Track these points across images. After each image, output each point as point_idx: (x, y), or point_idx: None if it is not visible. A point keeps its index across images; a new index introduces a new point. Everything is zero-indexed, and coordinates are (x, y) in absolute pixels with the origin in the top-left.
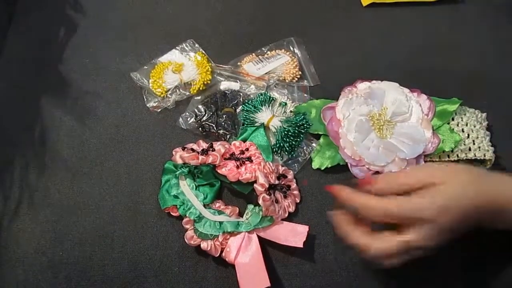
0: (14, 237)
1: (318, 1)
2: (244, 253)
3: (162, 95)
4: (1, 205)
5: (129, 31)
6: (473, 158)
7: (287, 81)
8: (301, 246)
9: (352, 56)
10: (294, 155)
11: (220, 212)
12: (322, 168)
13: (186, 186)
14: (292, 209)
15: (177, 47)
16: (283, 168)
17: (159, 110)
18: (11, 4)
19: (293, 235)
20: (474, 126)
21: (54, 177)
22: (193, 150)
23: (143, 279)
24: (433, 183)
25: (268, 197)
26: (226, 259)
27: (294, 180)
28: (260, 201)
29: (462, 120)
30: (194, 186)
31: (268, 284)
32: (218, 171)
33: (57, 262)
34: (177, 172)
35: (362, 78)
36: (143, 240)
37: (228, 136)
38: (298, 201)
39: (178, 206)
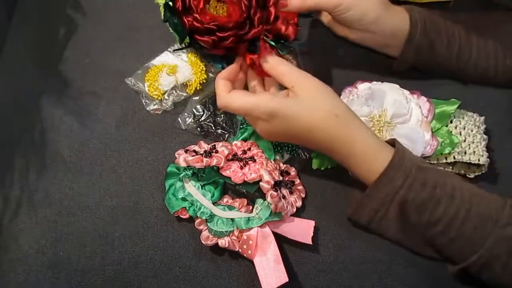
0: (15, 237)
1: None
2: (261, 249)
3: (159, 98)
4: (1, 205)
5: (130, 31)
6: (467, 161)
7: None
8: (310, 242)
9: (352, 56)
10: (294, 154)
11: (230, 207)
12: (322, 169)
13: (192, 187)
14: (299, 204)
15: (169, 49)
16: (284, 165)
17: (160, 112)
18: (11, 4)
19: (302, 230)
20: (472, 131)
21: (54, 177)
22: (195, 152)
23: (144, 279)
24: (297, 93)
25: (275, 193)
26: (245, 255)
27: (298, 176)
28: (269, 198)
29: (460, 124)
30: (200, 186)
31: (287, 280)
32: (222, 173)
33: (58, 262)
34: (181, 175)
35: (362, 79)
36: (144, 240)
37: (226, 136)
38: (303, 196)
39: (187, 208)
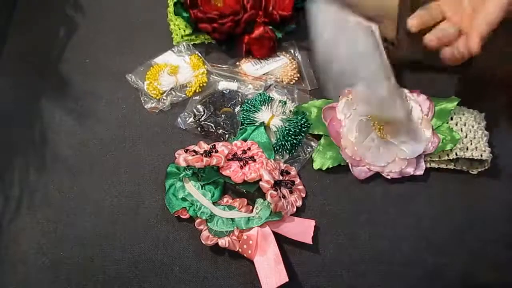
0: (15, 237)
1: None
2: (261, 249)
3: (157, 97)
4: (2, 205)
5: (130, 31)
6: (470, 157)
7: (284, 83)
8: (310, 242)
9: None
10: (294, 153)
11: (230, 207)
12: (323, 169)
13: (192, 187)
14: (299, 203)
15: (173, 49)
16: (284, 165)
17: (157, 111)
18: (11, 4)
19: (302, 230)
20: (472, 127)
21: (54, 177)
22: (195, 152)
23: (144, 279)
24: None
25: (275, 193)
26: (245, 255)
27: (298, 176)
28: (268, 198)
29: (461, 120)
30: (200, 186)
31: (287, 279)
32: (222, 173)
33: (58, 262)
34: (181, 175)
35: None
36: (144, 240)
37: (227, 136)
38: (303, 195)
39: (187, 208)
